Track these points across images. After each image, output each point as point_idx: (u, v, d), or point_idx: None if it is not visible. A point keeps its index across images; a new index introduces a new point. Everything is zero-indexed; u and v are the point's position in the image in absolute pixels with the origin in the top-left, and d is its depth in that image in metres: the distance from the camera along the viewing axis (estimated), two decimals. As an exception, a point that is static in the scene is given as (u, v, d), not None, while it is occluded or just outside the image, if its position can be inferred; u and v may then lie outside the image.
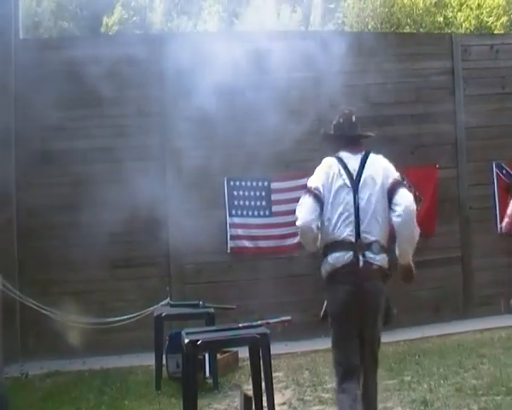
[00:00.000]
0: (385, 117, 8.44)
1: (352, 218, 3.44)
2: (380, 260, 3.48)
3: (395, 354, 6.57)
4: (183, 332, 4.57)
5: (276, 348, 5.60)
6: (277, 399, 4.95)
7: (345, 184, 3.48)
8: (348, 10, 21.39)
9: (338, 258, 3.42)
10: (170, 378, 6.03)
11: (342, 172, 3.50)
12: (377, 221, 3.49)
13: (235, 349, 6.32)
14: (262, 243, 7.94)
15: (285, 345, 6.96)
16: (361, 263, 3.40)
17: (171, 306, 6.59)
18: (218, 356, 6.04)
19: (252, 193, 8.01)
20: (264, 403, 4.45)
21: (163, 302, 6.91)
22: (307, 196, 3.48)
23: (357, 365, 3.48)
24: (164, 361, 6.04)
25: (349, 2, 21.43)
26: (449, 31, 17.52)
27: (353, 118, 3.71)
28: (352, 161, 3.55)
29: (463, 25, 18.95)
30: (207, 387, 5.76)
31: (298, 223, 3.49)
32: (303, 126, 8.25)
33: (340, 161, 3.54)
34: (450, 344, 6.94)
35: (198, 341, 4.28)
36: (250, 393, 4.42)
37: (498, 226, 8.70)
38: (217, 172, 7.85)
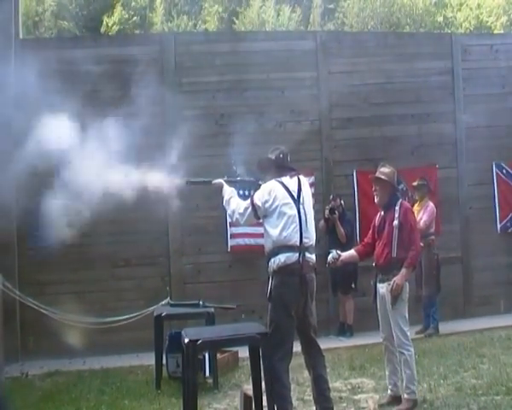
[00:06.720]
0: (385, 117, 8.45)
1: (298, 227, 4.40)
2: (313, 258, 4.51)
3: (395, 353, 6.56)
4: (183, 332, 4.58)
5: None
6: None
7: (289, 201, 4.43)
8: (348, 10, 21.42)
9: (289, 257, 4.36)
10: (170, 378, 6.04)
11: (285, 192, 4.45)
12: (311, 229, 4.52)
13: (235, 349, 6.32)
14: (262, 241, 7.89)
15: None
16: (302, 261, 4.38)
17: (171, 305, 6.59)
18: (218, 356, 6.04)
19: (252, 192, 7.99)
20: (264, 403, 4.45)
21: (163, 302, 6.91)
22: (250, 208, 4.51)
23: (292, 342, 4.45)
24: (164, 361, 6.04)
25: (349, 2, 21.45)
26: (449, 31, 17.56)
27: (287, 154, 4.70)
28: (291, 183, 4.51)
29: (463, 25, 18.99)
30: (207, 386, 5.76)
31: (241, 221, 4.65)
32: (302, 126, 8.26)
33: (283, 184, 4.50)
34: (450, 344, 6.94)
35: (198, 340, 4.29)
36: (250, 392, 4.42)
37: (498, 226, 8.73)
38: (217, 171, 7.83)
